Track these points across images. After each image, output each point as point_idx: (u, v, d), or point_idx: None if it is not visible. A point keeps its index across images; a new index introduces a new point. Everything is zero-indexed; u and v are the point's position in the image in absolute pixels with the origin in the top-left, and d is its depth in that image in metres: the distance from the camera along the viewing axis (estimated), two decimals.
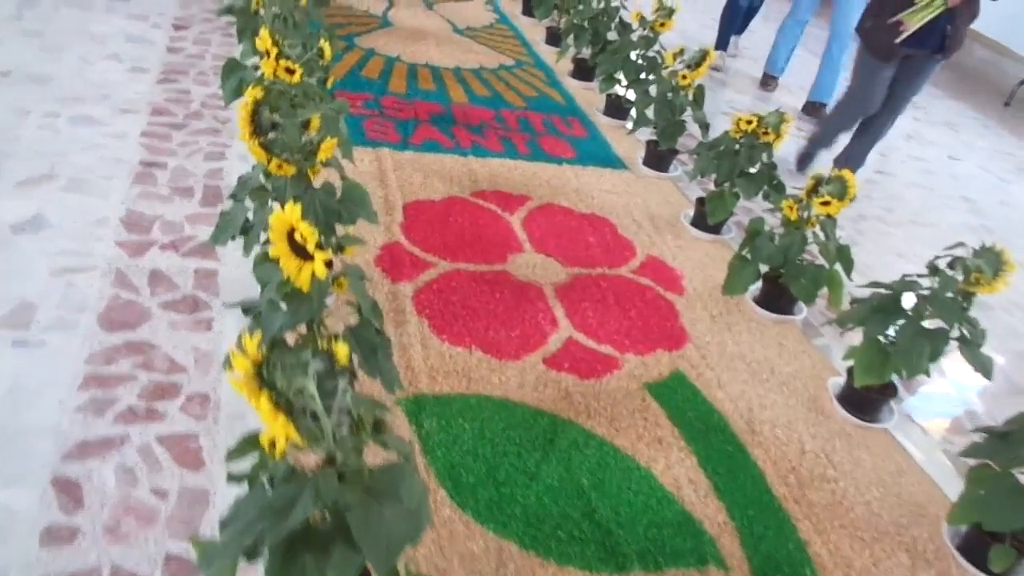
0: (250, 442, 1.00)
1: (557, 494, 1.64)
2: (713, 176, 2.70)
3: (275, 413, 0.90)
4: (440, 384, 1.86)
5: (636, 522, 1.62)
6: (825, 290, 2.25)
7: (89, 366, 1.67)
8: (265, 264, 1.62)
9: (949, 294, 1.84)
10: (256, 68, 2.53)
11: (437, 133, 3.07)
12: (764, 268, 2.35)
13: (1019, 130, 5.19)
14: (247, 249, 1.80)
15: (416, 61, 3.71)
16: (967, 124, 5.05)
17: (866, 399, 2.04)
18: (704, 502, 1.70)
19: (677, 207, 2.95)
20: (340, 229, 1.79)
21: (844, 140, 3.46)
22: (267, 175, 1.83)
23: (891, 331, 1.93)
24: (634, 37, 3.44)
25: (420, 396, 1.81)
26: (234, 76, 2.48)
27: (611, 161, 3.19)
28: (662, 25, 3.33)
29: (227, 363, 0.91)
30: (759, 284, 2.43)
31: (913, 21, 2.92)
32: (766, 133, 2.59)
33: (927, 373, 1.86)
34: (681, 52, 3.00)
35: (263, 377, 0.94)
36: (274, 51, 2.05)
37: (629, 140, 3.41)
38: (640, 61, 3.40)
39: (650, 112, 3.11)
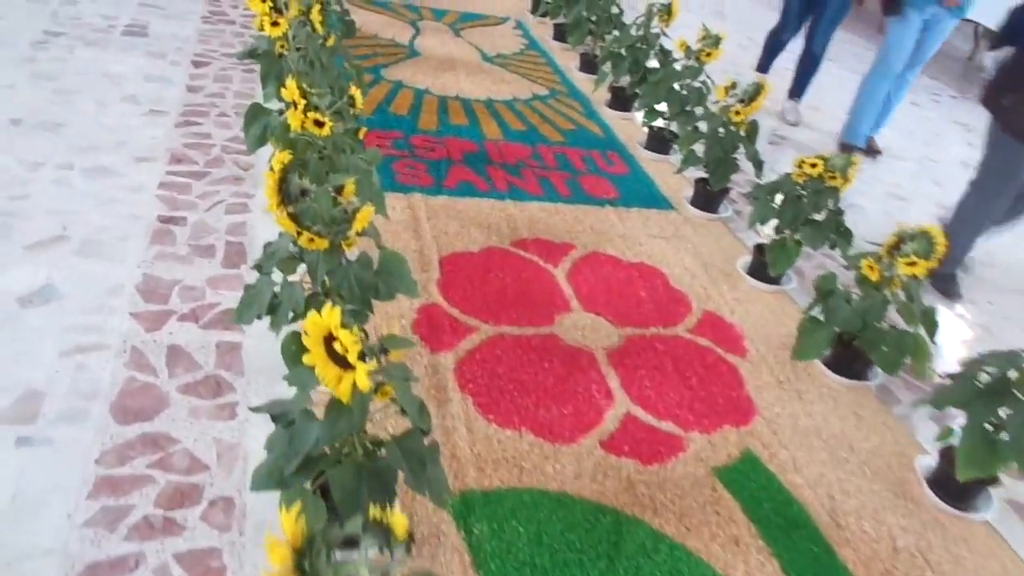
0: None
1: None
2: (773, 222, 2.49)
3: None
4: (489, 477, 1.67)
5: None
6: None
7: (101, 467, 1.49)
8: (296, 360, 1.44)
9: None
10: (281, 113, 2.37)
11: (471, 174, 2.88)
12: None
13: None
14: (275, 328, 1.61)
15: (446, 93, 3.54)
16: None
17: (962, 485, 1.82)
18: None
19: (731, 253, 2.74)
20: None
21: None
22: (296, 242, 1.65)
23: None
24: (677, 66, 3.25)
25: (468, 494, 1.62)
26: (258, 122, 2.31)
27: (656, 201, 2.99)
28: (708, 55, 3.13)
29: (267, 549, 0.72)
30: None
31: None
32: (832, 177, 2.38)
33: None
34: (733, 86, 2.79)
35: (305, 571, 0.75)
36: (302, 103, 1.87)
37: (673, 176, 3.21)
38: (684, 92, 3.20)
39: (695, 145, 2.91)
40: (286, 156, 1.57)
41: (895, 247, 2.00)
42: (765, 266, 2.55)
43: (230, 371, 1.78)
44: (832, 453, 1.93)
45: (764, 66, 4.53)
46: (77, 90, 2.84)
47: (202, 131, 2.75)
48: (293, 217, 1.55)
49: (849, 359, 2.18)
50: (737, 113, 2.76)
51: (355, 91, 2.00)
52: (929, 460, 1.94)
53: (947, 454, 1.83)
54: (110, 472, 1.49)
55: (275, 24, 2.21)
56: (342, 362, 1.14)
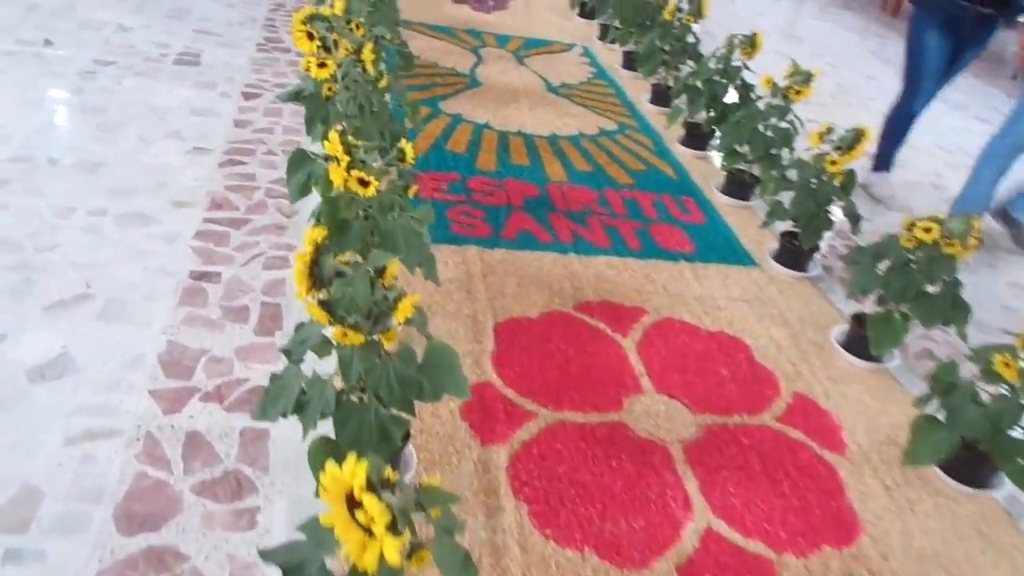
0: None
1: None
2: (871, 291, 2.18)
3: None
4: None
5: None
6: None
7: None
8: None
9: None
10: (327, 159, 2.16)
11: (532, 223, 2.63)
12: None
13: None
14: (304, 429, 1.38)
15: (507, 128, 3.30)
16: None
17: None
18: None
19: (822, 320, 2.43)
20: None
21: None
22: None
23: None
24: (761, 104, 2.95)
25: None
26: (302, 170, 2.11)
27: (737, 256, 2.69)
28: (798, 93, 2.83)
29: None
30: None
31: None
32: (950, 244, 2.06)
33: None
34: (829, 131, 2.49)
35: None
36: (345, 159, 1.65)
37: (754, 225, 2.91)
38: (769, 133, 2.90)
39: (778, 193, 2.62)
40: (319, 234, 1.34)
41: None
42: (863, 339, 2.24)
43: (253, 466, 1.56)
44: None
45: (887, 158, 3.43)
46: (121, 125, 2.70)
47: (246, 171, 2.57)
48: (325, 306, 1.32)
49: (971, 463, 1.86)
50: (833, 163, 2.45)
51: (406, 144, 1.77)
52: None
53: None
54: None
55: (322, 65, 2.01)
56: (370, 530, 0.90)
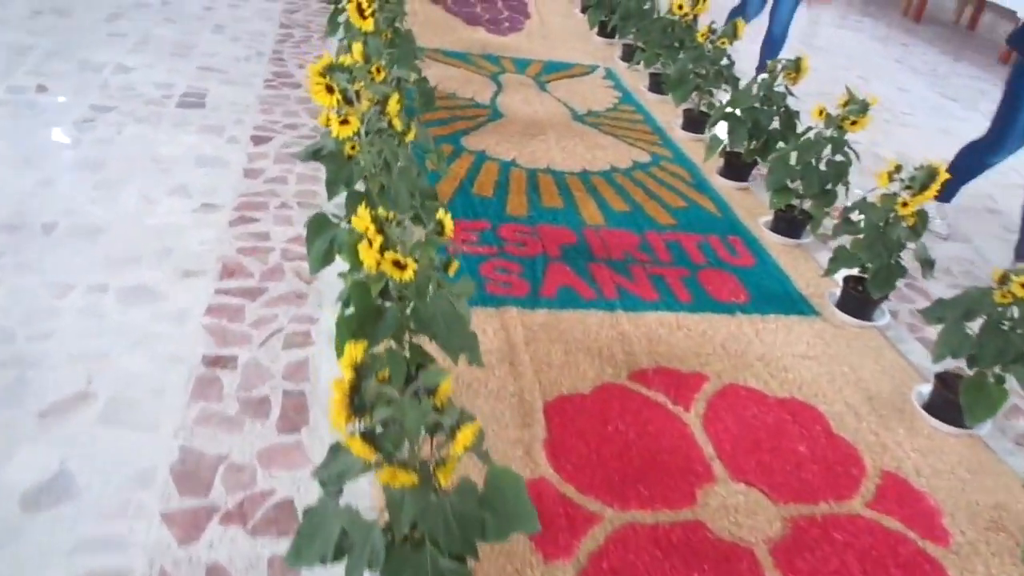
0: None
1: None
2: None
3: None
4: None
5: None
6: None
7: None
8: None
9: None
10: (349, 222, 1.94)
11: (573, 276, 2.41)
12: None
13: None
14: None
15: (536, 165, 3.08)
16: None
17: None
18: None
19: (898, 377, 2.20)
20: None
21: None
22: None
23: None
24: (811, 135, 2.72)
25: None
26: (322, 237, 1.90)
27: (795, 304, 2.47)
28: (853, 123, 2.60)
29: None
30: None
31: None
32: None
33: None
34: (898, 169, 2.26)
35: None
36: (377, 240, 1.44)
37: (809, 267, 2.68)
38: (823, 167, 2.67)
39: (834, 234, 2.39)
40: (358, 351, 1.12)
41: None
42: (948, 402, 2.01)
43: None
44: None
45: (951, 192, 3.08)
46: (122, 180, 2.49)
47: (259, 230, 2.35)
48: (368, 438, 1.10)
49: None
50: (905, 204, 2.23)
51: (444, 216, 1.55)
52: None
53: None
54: None
55: (345, 122, 1.79)
56: None
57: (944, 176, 2.19)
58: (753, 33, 3.43)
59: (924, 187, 2.20)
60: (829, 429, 1.97)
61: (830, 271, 2.38)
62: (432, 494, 1.14)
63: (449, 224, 1.56)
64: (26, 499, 1.45)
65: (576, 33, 4.85)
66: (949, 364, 2.06)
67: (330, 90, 1.83)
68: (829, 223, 2.78)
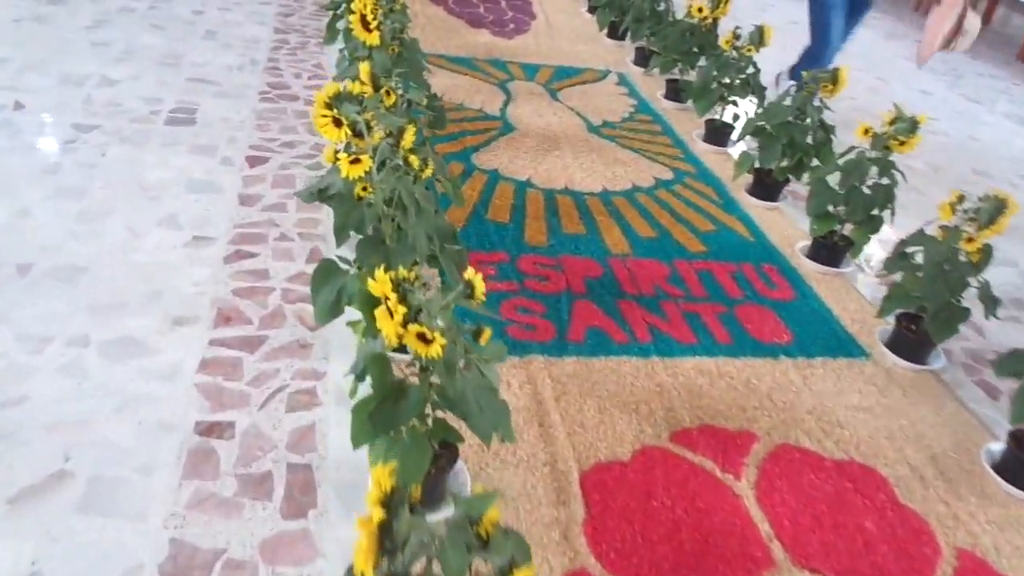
0: None
1: None
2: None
3: None
4: None
5: None
6: None
7: None
8: None
9: None
10: (359, 269, 1.73)
11: (601, 316, 2.20)
12: None
13: None
14: None
15: (553, 185, 2.87)
16: None
17: None
18: None
19: (963, 433, 2.00)
20: None
21: None
22: None
23: None
24: (853, 154, 2.52)
25: None
26: (329, 286, 1.70)
27: (842, 344, 2.27)
28: (902, 144, 2.40)
29: None
30: None
31: None
32: None
33: None
34: (960, 199, 2.06)
35: None
36: (400, 311, 1.23)
37: (852, 299, 2.48)
38: (867, 190, 2.47)
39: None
40: (388, 480, 0.91)
41: None
42: (1022, 462, 1.82)
43: None
44: None
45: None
46: (106, 211, 2.27)
47: (257, 266, 2.14)
48: None
49: None
50: (970, 240, 2.03)
51: (475, 276, 1.34)
52: None
53: None
54: None
55: (356, 161, 1.58)
56: None
57: (1015, 208, 2.00)
58: (747, 20, 3.21)
59: (991, 220, 2.00)
60: (894, 498, 1.77)
61: (884, 311, 2.18)
62: None
63: (480, 286, 1.35)
64: None
65: (585, 35, 4.63)
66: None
67: (338, 123, 1.62)
68: (871, 250, 2.60)
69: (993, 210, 2.00)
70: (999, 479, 1.86)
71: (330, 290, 1.69)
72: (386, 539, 0.90)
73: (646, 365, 2.05)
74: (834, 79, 2.76)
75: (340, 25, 3.25)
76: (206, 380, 1.75)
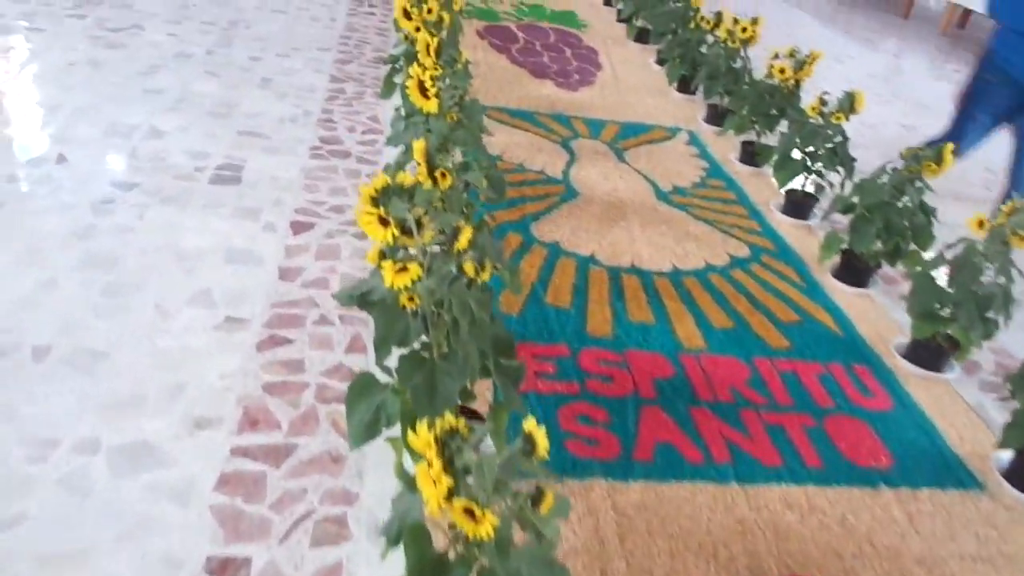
0: None
1: None
2: None
3: None
4: None
5: None
6: None
7: None
8: None
9: None
10: (396, 392, 1.51)
11: (673, 428, 1.94)
12: None
13: None
14: None
15: (618, 262, 2.63)
16: None
17: None
18: None
19: None
20: None
21: None
22: None
23: None
24: (959, 248, 2.22)
25: None
26: (366, 402, 1.49)
27: (951, 470, 1.96)
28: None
29: None
30: None
31: None
32: None
33: None
34: None
35: None
36: (444, 483, 1.00)
37: (959, 412, 2.17)
38: (978, 292, 2.17)
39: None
40: None
41: None
42: None
43: None
44: None
45: None
46: (136, 285, 2.10)
47: (292, 356, 1.94)
48: None
49: None
50: None
51: (536, 431, 1.10)
52: None
53: None
54: None
55: (403, 270, 1.36)
56: None
57: None
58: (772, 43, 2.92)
59: None
60: None
61: (1007, 441, 1.87)
62: None
63: (543, 443, 1.11)
64: None
65: (653, 88, 4.40)
66: None
67: (384, 222, 1.41)
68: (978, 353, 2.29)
69: None
70: None
71: (367, 408, 1.47)
72: None
73: (725, 494, 1.77)
74: (939, 158, 2.47)
75: (398, 79, 3.09)
76: (223, 501, 1.54)
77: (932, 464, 1.98)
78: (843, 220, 2.81)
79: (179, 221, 2.41)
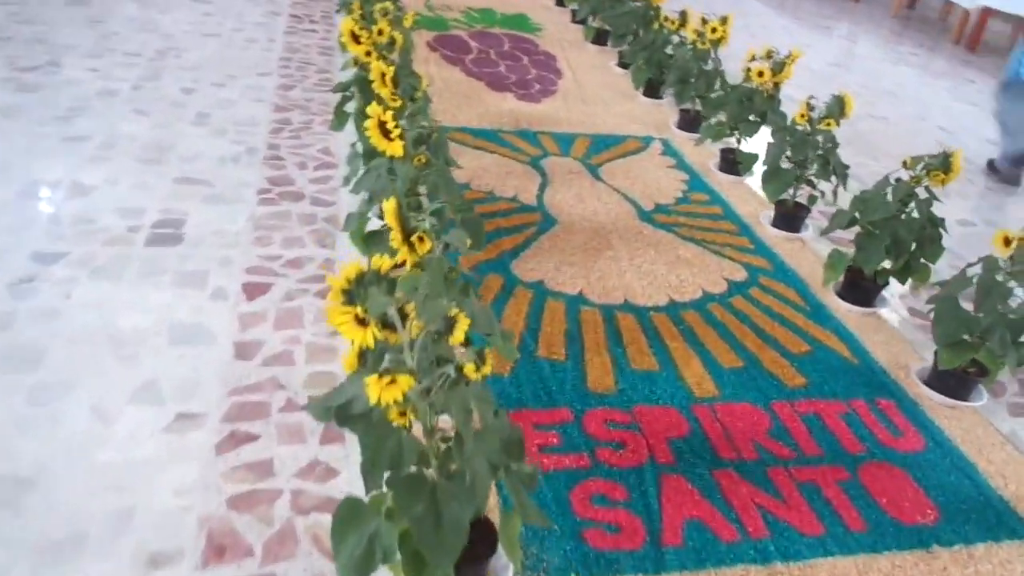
0: None
1: None
2: None
3: None
4: None
5: None
6: None
7: None
8: None
9: None
10: (391, 517, 1.26)
11: (697, 498, 1.72)
12: None
13: None
14: None
15: (610, 300, 2.40)
16: None
17: None
18: None
19: None
20: None
21: None
22: None
23: None
24: (977, 268, 2.05)
25: None
26: (356, 533, 1.26)
27: (1002, 518, 1.79)
28: None
29: None
30: None
31: None
32: None
33: None
34: None
35: None
36: None
37: (993, 443, 2.00)
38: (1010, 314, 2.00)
39: None
40: None
41: None
42: None
43: None
44: None
45: None
46: (66, 384, 1.80)
47: (259, 456, 1.67)
48: None
49: None
50: None
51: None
52: None
53: None
54: None
55: (392, 383, 1.11)
56: None
57: None
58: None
59: None
60: None
61: None
62: None
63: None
64: None
65: (618, 93, 4.18)
66: None
67: (362, 322, 1.15)
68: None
69: None
70: None
71: (357, 540, 1.23)
72: None
73: (767, 572, 1.56)
74: (946, 166, 2.29)
75: (349, 107, 2.82)
76: None
77: (981, 514, 1.79)
78: (842, 232, 2.63)
79: (113, 296, 2.11)
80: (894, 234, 2.32)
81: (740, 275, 2.63)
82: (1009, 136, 3.65)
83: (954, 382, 2.14)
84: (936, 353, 2.15)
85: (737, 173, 3.27)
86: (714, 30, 3.38)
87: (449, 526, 1.18)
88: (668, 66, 3.80)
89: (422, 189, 2.09)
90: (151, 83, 3.51)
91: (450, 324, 1.20)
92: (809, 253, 2.80)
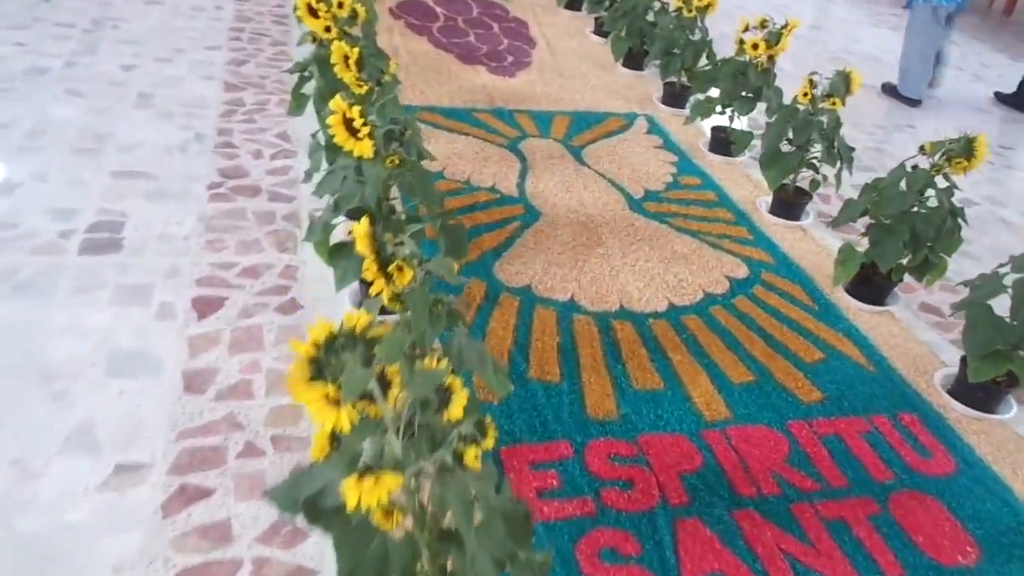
0: None
1: None
2: None
3: None
4: None
5: None
6: None
7: None
8: None
9: None
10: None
11: (717, 546, 1.53)
12: None
13: None
14: None
15: (604, 307, 2.18)
16: None
17: None
18: None
19: None
20: None
21: None
22: None
23: None
24: (1009, 266, 1.86)
25: None
26: None
27: None
28: None
29: None
30: None
31: None
32: None
33: None
34: None
35: None
36: None
37: None
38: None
39: None
40: None
41: None
42: None
43: None
44: None
45: None
46: None
47: (214, 517, 1.43)
48: None
49: None
50: None
51: None
52: None
53: None
54: None
55: (376, 482, 0.88)
56: None
57: None
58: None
59: None
60: None
61: None
62: None
63: None
64: None
65: (596, 64, 3.92)
66: None
67: (336, 401, 0.91)
68: None
69: None
70: None
71: None
72: None
73: None
74: (968, 151, 2.10)
75: (308, 88, 2.53)
76: None
77: (1017, 544, 1.63)
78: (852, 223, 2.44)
79: (42, 318, 1.83)
80: (912, 228, 2.12)
81: (741, 271, 2.42)
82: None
83: (982, 393, 1.97)
84: (963, 361, 1.97)
85: (729, 154, 3.05)
86: None
87: None
88: (650, 35, 3.55)
89: (395, 191, 1.84)
90: (86, 58, 3.17)
91: (445, 396, 0.97)
92: (812, 243, 2.61)
